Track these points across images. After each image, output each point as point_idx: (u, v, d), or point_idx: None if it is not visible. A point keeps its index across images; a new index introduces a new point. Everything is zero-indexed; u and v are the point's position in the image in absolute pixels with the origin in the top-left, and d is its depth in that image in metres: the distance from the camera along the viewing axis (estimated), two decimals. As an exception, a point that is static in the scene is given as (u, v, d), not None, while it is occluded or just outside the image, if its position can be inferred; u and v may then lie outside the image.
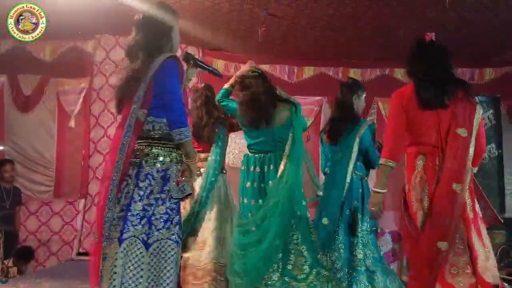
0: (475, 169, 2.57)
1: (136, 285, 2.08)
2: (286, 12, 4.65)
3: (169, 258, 2.15)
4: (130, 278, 2.08)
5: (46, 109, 5.92)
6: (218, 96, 3.22)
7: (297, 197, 2.82)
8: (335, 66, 6.25)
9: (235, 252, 2.87)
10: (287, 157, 2.85)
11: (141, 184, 2.15)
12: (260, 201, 2.92)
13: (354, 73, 6.20)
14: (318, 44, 5.71)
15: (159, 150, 2.20)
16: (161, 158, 2.20)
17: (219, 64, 5.99)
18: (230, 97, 3.21)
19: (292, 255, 2.79)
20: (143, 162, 2.18)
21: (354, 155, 3.31)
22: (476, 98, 2.50)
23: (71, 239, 5.60)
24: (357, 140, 3.31)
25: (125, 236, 2.09)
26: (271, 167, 2.92)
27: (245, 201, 3.01)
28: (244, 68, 3.15)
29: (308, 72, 6.19)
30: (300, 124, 2.97)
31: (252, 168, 3.00)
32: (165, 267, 2.13)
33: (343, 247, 3.25)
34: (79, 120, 5.85)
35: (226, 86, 3.19)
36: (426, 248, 2.36)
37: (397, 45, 5.68)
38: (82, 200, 5.65)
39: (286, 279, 2.73)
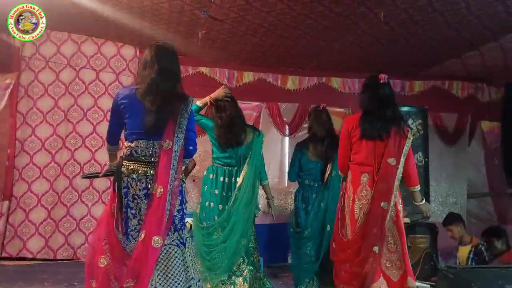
0: (417, 188, 3.17)
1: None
2: (228, 16, 4.64)
3: (193, 252, 2.55)
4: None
5: (-33, 105, 5.51)
6: None
7: (253, 203, 3.46)
8: (274, 72, 6.34)
9: (203, 251, 3.38)
10: (245, 172, 3.45)
11: (186, 199, 2.62)
12: (226, 206, 3.44)
13: (293, 81, 6.33)
14: (258, 50, 5.76)
15: (184, 171, 2.64)
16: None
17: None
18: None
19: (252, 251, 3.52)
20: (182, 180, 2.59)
21: None
22: (410, 130, 3.13)
23: (-7, 243, 5.25)
24: None
25: (186, 241, 2.51)
26: (237, 179, 3.48)
27: (212, 205, 3.50)
28: (219, 92, 3.55)
29: (248, 77, 6.23)
30: (259, 146, 3.55)
31: (221, 178, 3.51)
32: (193, 262, 2.52)
33: None
34: (5, 117, 5.51)
35: (198, 103, 3.53)
36: (364, 252, 2.89)
37: (334, 55, 5.89)
38: (6, 202, 5.33)
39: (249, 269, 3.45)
